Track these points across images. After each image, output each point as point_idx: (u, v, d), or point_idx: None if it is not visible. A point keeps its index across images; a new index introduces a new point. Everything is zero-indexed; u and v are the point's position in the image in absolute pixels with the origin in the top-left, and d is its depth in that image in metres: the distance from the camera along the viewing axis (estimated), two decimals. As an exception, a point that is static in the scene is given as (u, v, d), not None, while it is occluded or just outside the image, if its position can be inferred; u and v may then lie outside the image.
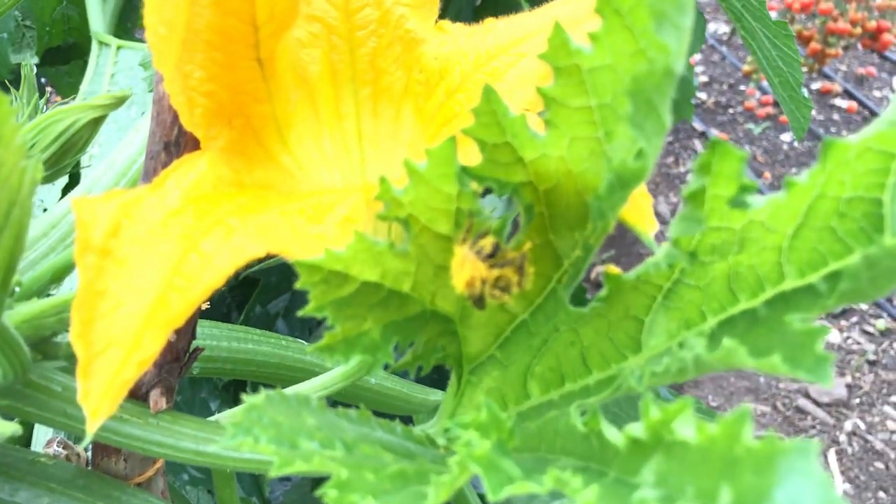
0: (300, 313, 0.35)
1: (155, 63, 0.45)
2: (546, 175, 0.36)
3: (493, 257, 0.34)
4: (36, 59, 1.62)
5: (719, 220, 0.32)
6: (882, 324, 3.34)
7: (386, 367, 0.37)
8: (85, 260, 0.37)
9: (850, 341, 3.29)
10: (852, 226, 0.30)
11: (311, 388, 0.62)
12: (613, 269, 0.35)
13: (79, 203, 0.39)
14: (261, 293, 1.45)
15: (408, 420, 0.59)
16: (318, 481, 0.53)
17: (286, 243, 0.38)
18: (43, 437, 0.73)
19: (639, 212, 0.38)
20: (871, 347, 3.26)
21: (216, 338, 0.80)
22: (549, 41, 0.31)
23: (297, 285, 0.35)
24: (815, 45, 3.96)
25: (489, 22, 0.54)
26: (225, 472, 0.66)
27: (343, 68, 0.54)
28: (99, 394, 0.35)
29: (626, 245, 3.45)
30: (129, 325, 0.36)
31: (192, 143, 0.48)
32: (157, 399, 0.56)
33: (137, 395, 0.56)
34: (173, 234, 0.40)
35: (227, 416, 0.51)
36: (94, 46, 1.32)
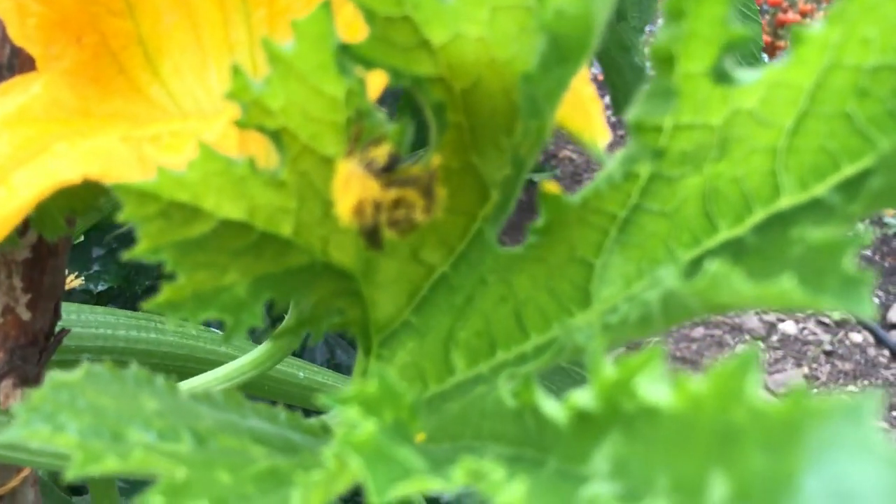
0: (125, 256, 0.26)
1: (-31, -44, 0.35)
2: (462, 67, 0.26)
3: (389, 172, 0.25)
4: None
5: (693, 112, 0.23)
6: (837, 314, 3.32)
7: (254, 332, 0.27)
8: None
9: (805, 332, 3.27)
10: (876, 109, 0.22)
11: (214, 379, 0.52)
12: (552, 186, 0.26)
13: None
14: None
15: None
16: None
17: (122, 171, 0.29)
18: None
19: (585, 114, 0.29)
20: (826, 338, 3.24)
21: (111, 325, 0.70)
22: None
23: (121, 218, 0.25)
24: (765, 37, 3.94)
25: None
26: (103, 478, 0.56)
27: (232, -14, 0.45)
28: None
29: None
30: None
31: (31, 67, 0.38)
32: (8, 392, 0.46)
33: (-16, 387, 0.46)
34: (-23, 164, 0.30)
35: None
36: None
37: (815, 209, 0.23)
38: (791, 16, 3.82)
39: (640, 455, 0.19)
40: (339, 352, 1.32)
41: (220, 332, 0.78)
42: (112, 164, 0.29)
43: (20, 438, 0.23)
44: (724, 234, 0.26)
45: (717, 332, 3.19)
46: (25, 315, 0.45)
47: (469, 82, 0.27)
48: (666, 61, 0.21)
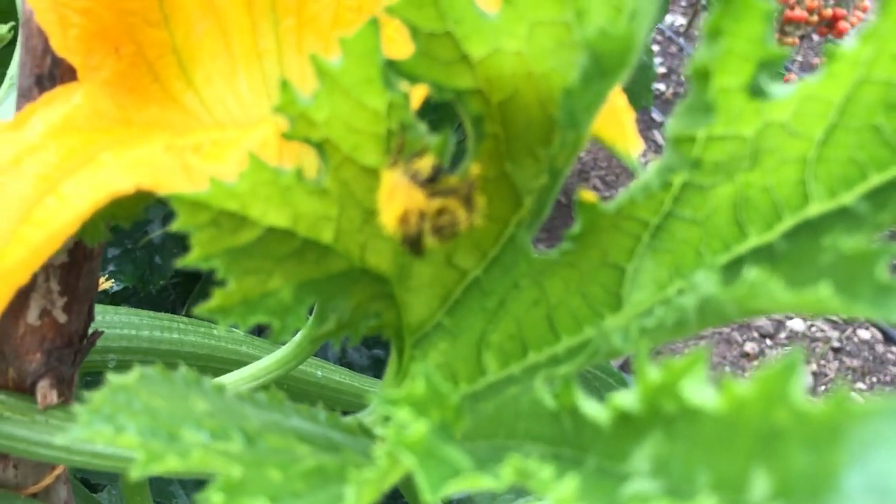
0: (179, 263, 0.27)
1: (14, -30, 0.36)
2: (500, 80, 0.28)
3: (433, 183, 0.26)
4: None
5: (726, 124, 0.24)
6: (844, 311, 3.32)
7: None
8: None
9: (813, 329, 3.27)
10: (904, 122, 0.23)
11: (240, 378, 0.53)
12: (589, 194, 0.27)
13: None
14: (204, 286, 1.36)
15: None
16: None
17: (169, 181, 0.30)
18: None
19: (619, 125, 0.30)
20: (835, 335, 3.24)
21: (135, 326, 0.71)
22: None
23: (175, 226, 0.27)
24: (772, 34, 3.93)
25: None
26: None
27: (261, -5, 0.46)
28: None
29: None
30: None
31: (71, 77, 0.39)
32: (45, 392, 0.47)
33: (22, 387, 0.47)
34: (27, 173, 0.31)
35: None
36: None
37: (843, 217, 0.24)
38: (798, 13, 3.81)
39: (680, 454, 0.20)
40: (350, 350, 1.33)
41: (242, 333, 0.79)
42: (159, 173, 0.30)
43: (84, 438, 0.24)
44: (755, 240, 0.27)
45: (726, 329, 3.19)
46: (62, 318, 0.46)
47: (506, 95, 0.28)
48: (703, 77, 0.22)
